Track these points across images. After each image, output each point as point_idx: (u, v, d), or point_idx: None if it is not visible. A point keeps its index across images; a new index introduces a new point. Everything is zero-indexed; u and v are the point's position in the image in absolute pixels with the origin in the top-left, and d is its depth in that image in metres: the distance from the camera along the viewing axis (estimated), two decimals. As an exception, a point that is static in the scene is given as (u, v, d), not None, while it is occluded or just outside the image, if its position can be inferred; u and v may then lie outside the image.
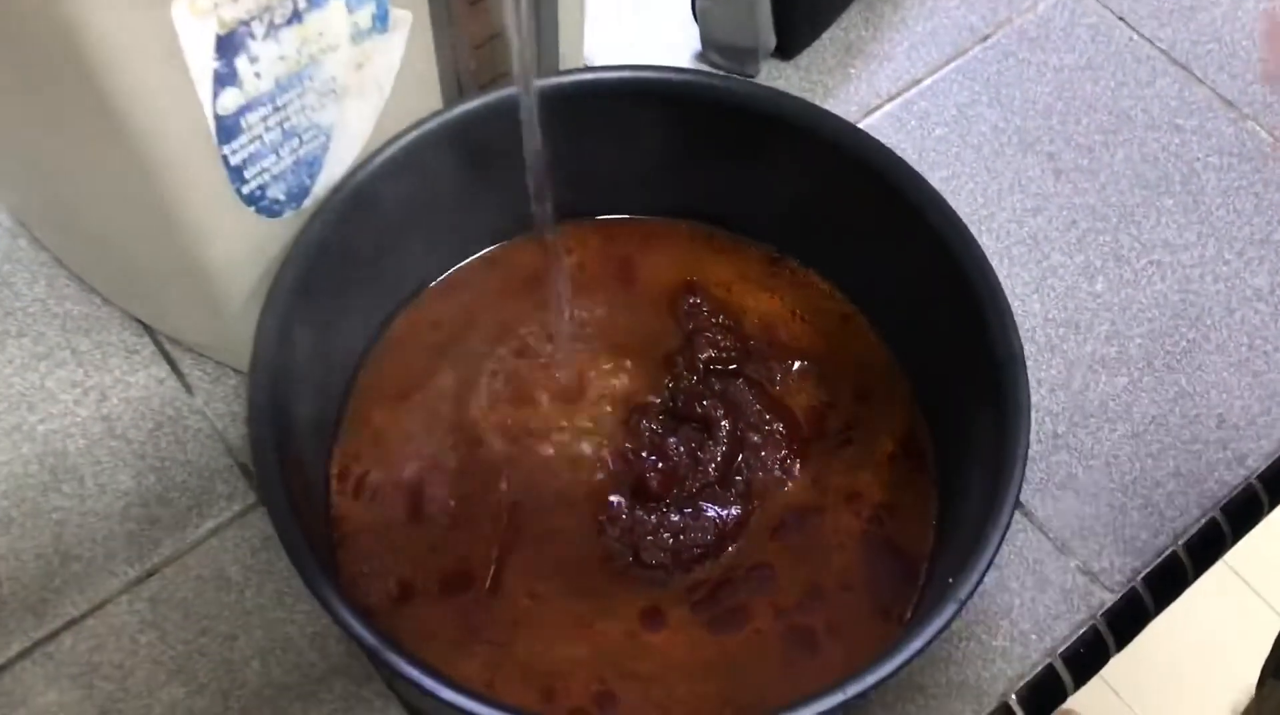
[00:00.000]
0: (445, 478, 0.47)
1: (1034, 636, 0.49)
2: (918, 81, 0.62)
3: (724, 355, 0.50)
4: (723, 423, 0.48)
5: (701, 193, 0.52)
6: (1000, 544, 0.39)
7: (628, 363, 0.50)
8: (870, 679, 0.36)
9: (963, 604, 0.38)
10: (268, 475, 0.39)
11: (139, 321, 0.53)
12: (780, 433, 0.49)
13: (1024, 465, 0.40)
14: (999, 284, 0.43)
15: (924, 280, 0.46)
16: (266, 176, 0.42)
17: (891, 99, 0.61)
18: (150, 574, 0.48)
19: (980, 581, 0.38)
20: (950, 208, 0.45)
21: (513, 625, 0.44)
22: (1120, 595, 0.50)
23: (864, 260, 0.50)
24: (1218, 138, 0.61)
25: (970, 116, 0.61)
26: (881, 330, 0.50)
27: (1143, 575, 0.50)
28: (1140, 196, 0.59)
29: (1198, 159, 0.60)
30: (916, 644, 0.37)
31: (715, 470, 0.48)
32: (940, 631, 0.37)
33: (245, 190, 0.42)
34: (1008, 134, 0.60)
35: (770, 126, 0.48)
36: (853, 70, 0.62)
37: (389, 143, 0.45)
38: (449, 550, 0.45)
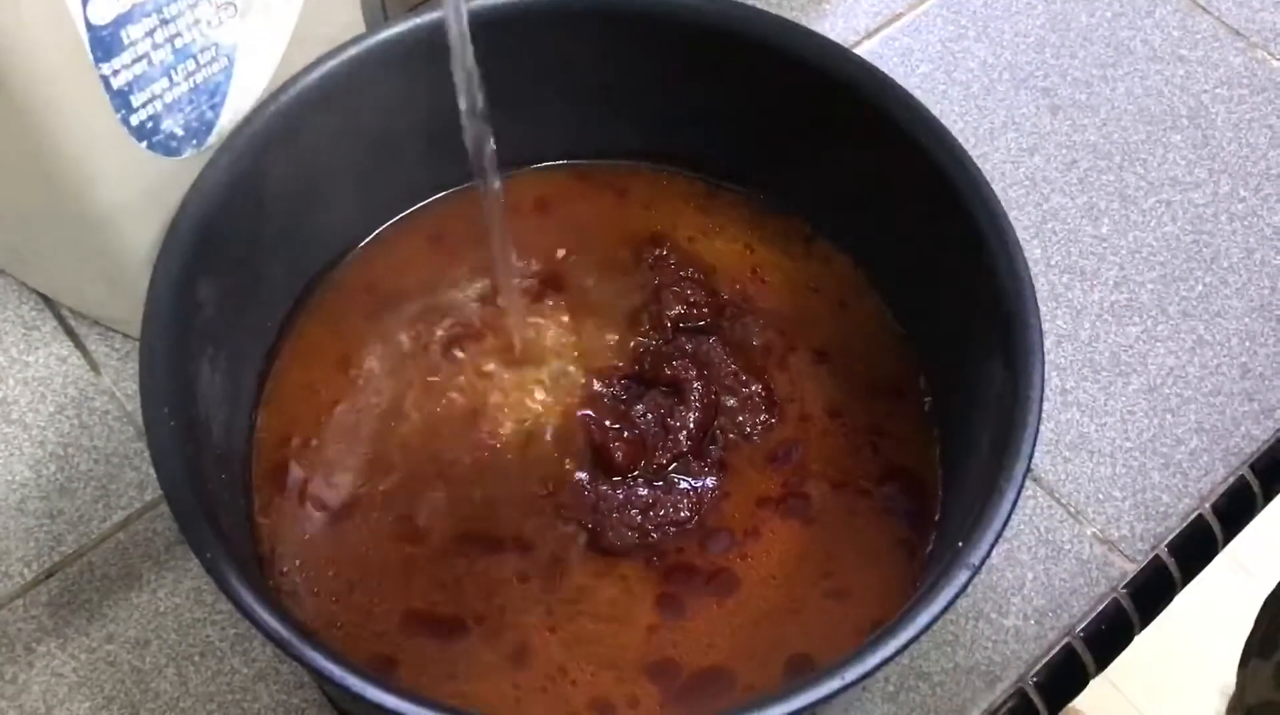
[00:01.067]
0: (386, 464, 0.41)
1: (1050, 614, 0.43)
2: (898, 16, 0.57)
3: (694, 312, 0.45)
4: (694, 386, 0.43)
5: (665, 132, 0.46)
6: (1016, 499, 0.33)
7: (586, 323, 0.45)
8: (872, 661, 0.31)
9: (976, 570, 0.32)
10: (163, 450, 0.34)
11: (38, 294, 0.48)
12: (759, 395, 0.43)
13: (1039, 407, 0.35)
14: (999, 205, 0.38)
15: (915, 213, 0.41)
16: (159, 105, 0.36)
17: (870, 35, 0.56)
18: (49, 574, 0.42)
19: (996, 542, 0.33)
20: (942, 126, 0.40)
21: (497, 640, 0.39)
22: (1143, 565, 0.45)
23: (848, 199, 0.44)
24: (1225, 68, 0.56)
25: (956, 52, 0.56)
26: (871, 277, 0.45)
27: (1167, 542, 0.45)
28: (1144, 132, 0.54)
29: (1205, 91, 0.55)
30: (924, 618, 0.32)
31: (688, 438, 0.42)
32: (953, 601, 0.32)
33: (135, 121, 0.36)
34: (998, 70, 0.55)
35: (744, 50, 0.42)
36: (827, 6, 0.56)
37: (303, 72, 0.39)
38: (401, 563, 0.40)
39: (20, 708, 0.40)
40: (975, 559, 0.32)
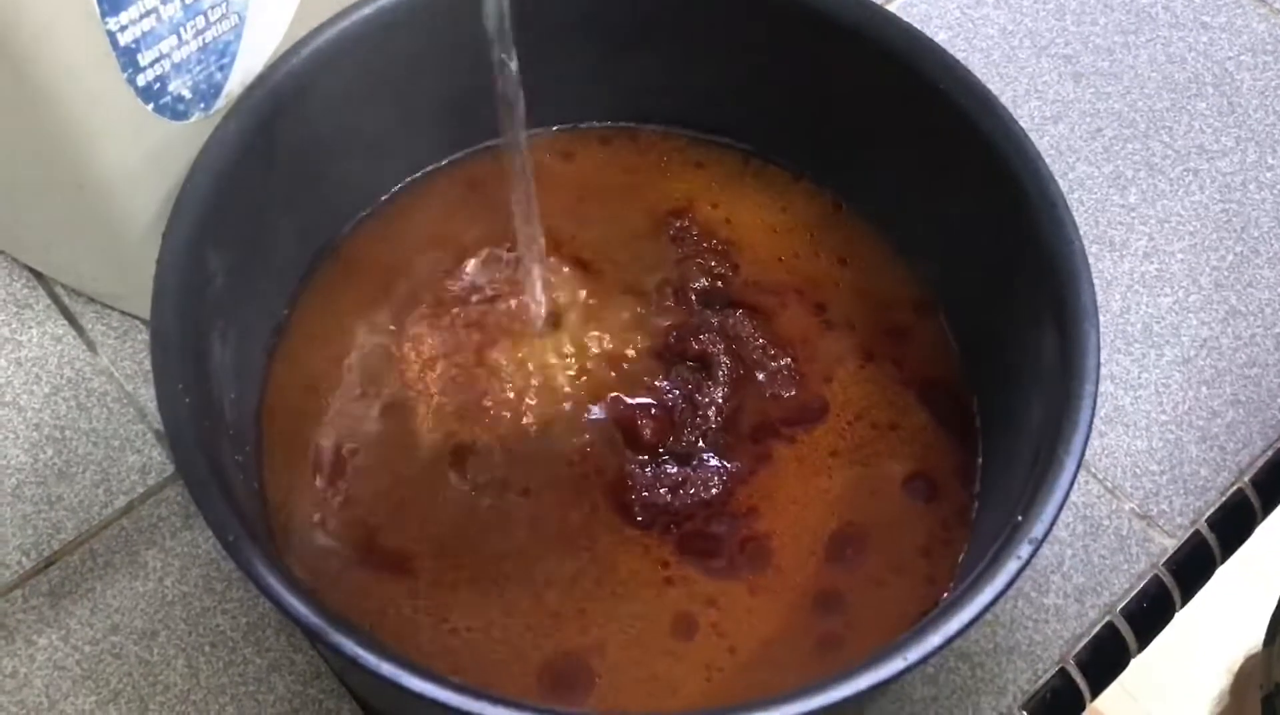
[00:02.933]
0: (402, 443, 0.40)
1: (1090, 592, 0.42)
2: (915, -18, 0.55)
3: (719, 283, 0.43)
4: (722, 361, 0.41)
5: (689, 97, 0.45)
6: (1077, 471, 0.32)
7: (610, 294, 0.43)
8: (936, 639, 0.30)
9: (1039, 544, 0.31)
10: (178, 429, 0.32)
11: (30, 271, 0.45)
12: (788, 368, 0.42)
13: (1097, 375, 0.33)
14: (1046, 168, 0.36)
15: (953, 180, 0.40)
16: (167, 64, 0.34)
17: (887, 2, 0.54)
18: (49, 563, 0.40)
19: (1058, 515, 0.31)
20: (983, 86, 0.38)
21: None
22: (1183, 541, 0.43)
23: (879, 167, 0.43)
24: (1249, 35, 0.55)
25: (975, 19, 0.54)
26: (902, 245, 0.44)
27: (1206, 517, 0.44)
28: (1169, 100, 0.53)
29: (1229, 58, 0.54)
30: (987, 596, 0.30)
31: (717, 414, 0.41)
32: (1016, 577, 0.30)
33: (141, 82, 0.34)
34: (1018, 36, 0.54)
35: (774, 10, 0.41)
36: (843, -29, 0.55)
37: (316, 31, 0.37)
38: (421, 548, 0.38)
39: (22, 703, 0.38)
40: (1038, 532, 0.31)
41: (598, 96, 0.45)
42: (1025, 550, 0.31)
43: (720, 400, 0.41)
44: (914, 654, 0.29)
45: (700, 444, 0.40)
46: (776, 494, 0.39)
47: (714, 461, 0.40)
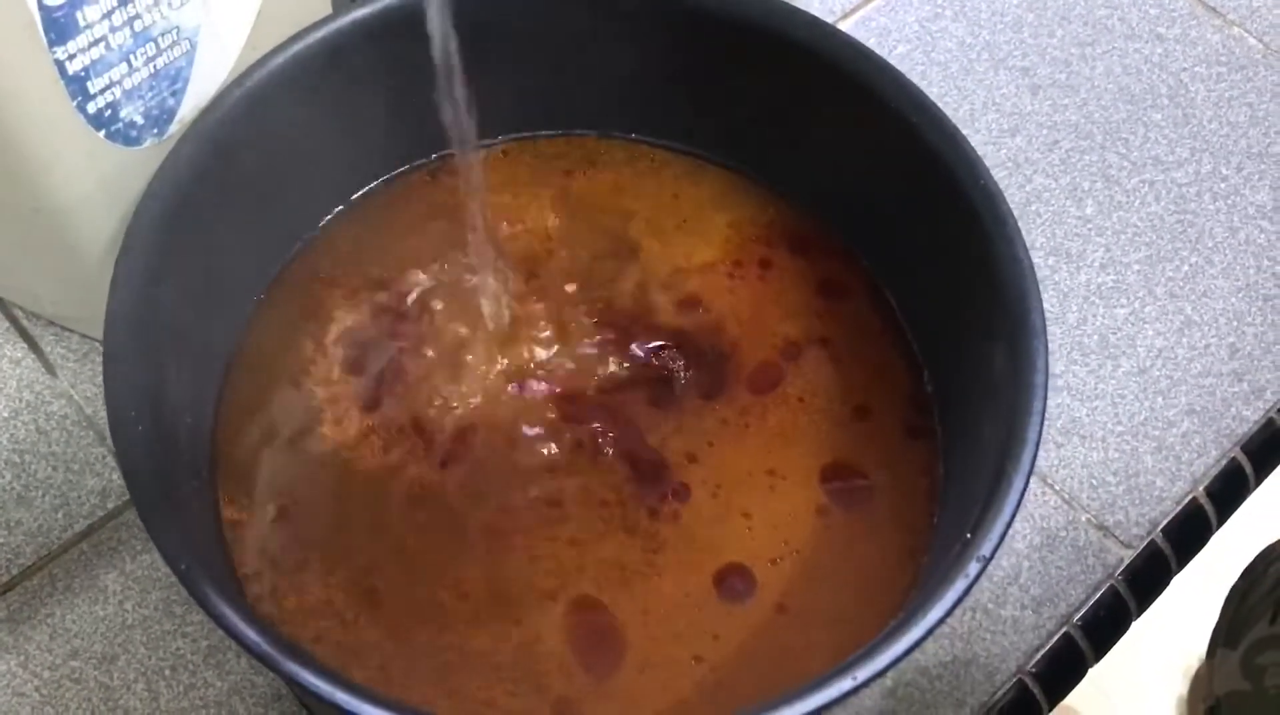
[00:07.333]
0: (359, 458, 0.40)
1: (1047, 603, 0.42)
2: (874, -4, 0.56)
3: (677, 294, 0.44)
4: (681, 374, 0.42)
5: (645, 106, 0.45)
6: (1025, 487, 0.32)
7: (566, 307, 0.43)
8: (883, 659, 0.30)
9: (987, 561, 0.31)
10: (132, 455, 0.32)
11: (-12, 294, 0.45)
12: (748, 381, 0.42)
13: (1045, 393, 0.34)
14: (996, 186, 0.37)
15: (907, 195, 0.40)
16: (117, 91, 0.34)
17: (847, 16, 0.55)
18: (8, 588, 0.40)
19: (1006, 531, 0.32)
20: (935, 107, 0.39)
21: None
22: (1139, 551, 0.44)
23: (836, 180, 0.43)
24: (1203, 46, 0.55)
25: (934, 32, 0.55)
26: (861, 259, 0.44)
27: (1162, 527, 0.44)
28: (1125, 111, 0.53)
29: (1184, 70, 0.54)
30: (936, 613, 0.31)
31: (675, 429, 0.41)
32: (964, 594, 0.31)
33: (91, 109, 0.34)
34: (976, 50, 0.54)
35: (726, 27, 0.41)
36: (802, -14, 0.55)
37: (268, 57, 0.37)
38: (379, 568, 0.38)
39: (-20, 730, 0.38)
40: (986, 550, 0.31)
41: (548, 107, 0.45)
42: (974, 568, 0.31)
43: (679, 414, 0.41)
44: (863, 673, 0.30)
45: (658, 458, 0.40)
46: (749, 520, 0.39)
47: (672, 471, 0.40)
